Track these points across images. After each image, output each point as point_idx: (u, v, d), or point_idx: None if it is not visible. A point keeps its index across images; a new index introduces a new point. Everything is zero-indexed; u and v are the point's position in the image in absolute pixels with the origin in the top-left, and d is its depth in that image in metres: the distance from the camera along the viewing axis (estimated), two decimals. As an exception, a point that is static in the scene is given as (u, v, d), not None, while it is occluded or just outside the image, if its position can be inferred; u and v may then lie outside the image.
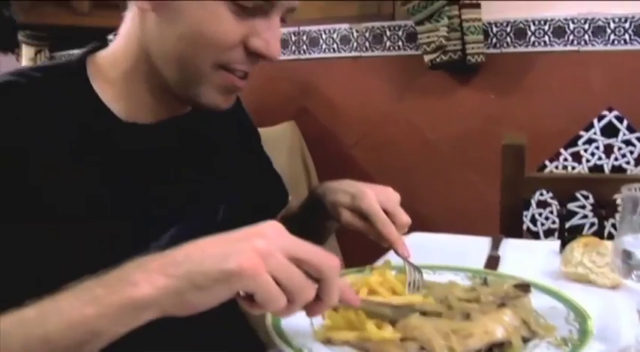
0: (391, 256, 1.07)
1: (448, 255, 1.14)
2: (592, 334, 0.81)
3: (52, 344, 0.65)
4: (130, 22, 0.94)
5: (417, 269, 1.00)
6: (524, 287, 0.93)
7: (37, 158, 0.82)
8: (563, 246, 1.28)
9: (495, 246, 1.36)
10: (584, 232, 2.46)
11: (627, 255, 0.80)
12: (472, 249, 1.34)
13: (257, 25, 0.89)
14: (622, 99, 2.41)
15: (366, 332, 0.79)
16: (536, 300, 0.92)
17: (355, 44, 2.80)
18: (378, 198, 1.04)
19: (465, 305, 0.87)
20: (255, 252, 0.65)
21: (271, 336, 0.80)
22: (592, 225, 2.45)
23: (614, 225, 2.21)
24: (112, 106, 0.92)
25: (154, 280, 0.65)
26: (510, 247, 1.37)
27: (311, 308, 0.71)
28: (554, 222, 2.51)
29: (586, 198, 2.39)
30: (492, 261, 1.25)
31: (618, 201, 2.28)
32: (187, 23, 0.87)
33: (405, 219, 1.05)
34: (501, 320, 0.81)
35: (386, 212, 1.03)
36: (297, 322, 0.82)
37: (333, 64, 2.88)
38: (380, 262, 1.12)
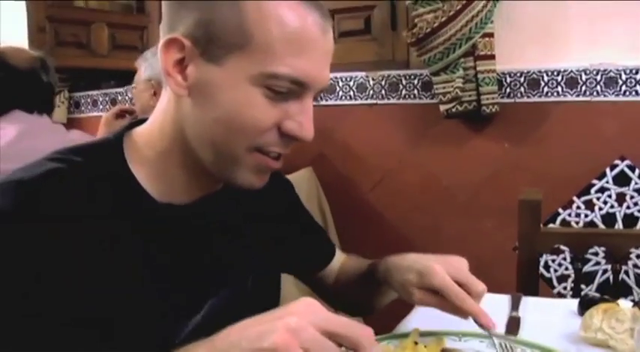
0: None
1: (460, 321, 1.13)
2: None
3: None
4: (165, 102, 0.97)
5: (505, 338, 1.03)
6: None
7: (80, 244, 0.86)
8: (581, 306, 1.32)
9: (515, 306, 1.39)
10: (597, 279, 2.51)
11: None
12: (491, 308, 1.37)
13: (290, 109, 0.92)
14: (634, 149, 2.47)
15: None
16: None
17: (371, 92, 2.88)
18: (448, 271, 1.05)
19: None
20: (288, 329, 0.70)
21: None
22: (605, 271, 2.50)
23: (626, 272, 2.26)
24: (148, 186, 0.95)
25: None
26: (530, 307, 1.40)
27: None
28: (567, 269, 2.56)
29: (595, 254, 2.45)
30: (513, 323, 1.28)
31: (632, 255, 2.33)
32: (222, 108, 0.90)
33: (480, 288, 1.06)
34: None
35: (459, 283, 1.05)
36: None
37: (350, 111, 2.95)
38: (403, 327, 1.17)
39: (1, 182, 0.87)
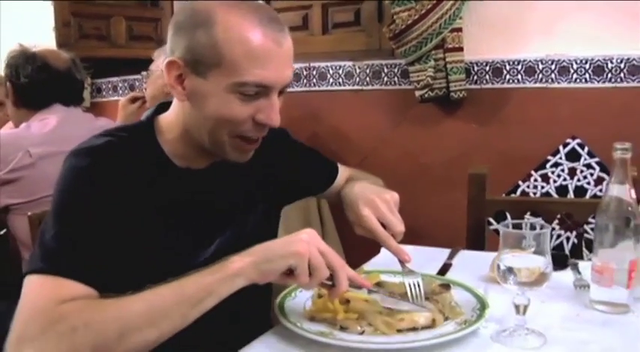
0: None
1: (415, 263, 1.36)
2: (483, 318, 1.21)
3: (188, 298, 1.07)
4: (177, 102, 1.29)
5: (414, 272, 1.30)
6: (445, 286, 1.35)
7: (127, 196, 1.19)
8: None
9: (452, 255, 1.75)
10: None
11: (498, 268, 1.20)
12: (432, 258, 1.72)
13: (260, 105, 1.20)
14: (583, 129, 2.75)
15: (337, 313, 1.22)
16: (459, 295, 1.33)
17: (357, 79, 3.18)
18: (375, 214, 1.33)
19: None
20: (305, 242, 1.11)
21: (276, 314, 1.24)
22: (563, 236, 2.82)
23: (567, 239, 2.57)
24: (171, 156, 1.29)
25: (242, 259, 1.10)
26: (464, 256, 1.76)
27: (330, 292, 1.16)
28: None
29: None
30: (444, 268, 1.64)
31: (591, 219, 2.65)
32: (209, 109, 1.20)
33: (398, 229, 1.33)
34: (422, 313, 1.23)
35: (383, 225, 1.33)
36: (294, 307, 1.27)
37: (339, 96, 3.24)
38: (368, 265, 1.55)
39: (75, 150, 1.22)
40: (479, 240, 2.10)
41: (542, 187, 2.86)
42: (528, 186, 2.88)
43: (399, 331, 1.20)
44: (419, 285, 1.28)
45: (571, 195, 2.81)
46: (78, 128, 2.24)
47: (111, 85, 3.99)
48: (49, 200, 1.21)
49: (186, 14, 1.21)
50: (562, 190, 2.83)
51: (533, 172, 2.87)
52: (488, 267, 1.56)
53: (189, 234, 1.29)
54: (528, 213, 2.17)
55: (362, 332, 1.18)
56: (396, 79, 3.10)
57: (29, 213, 1.68)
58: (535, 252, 1.18)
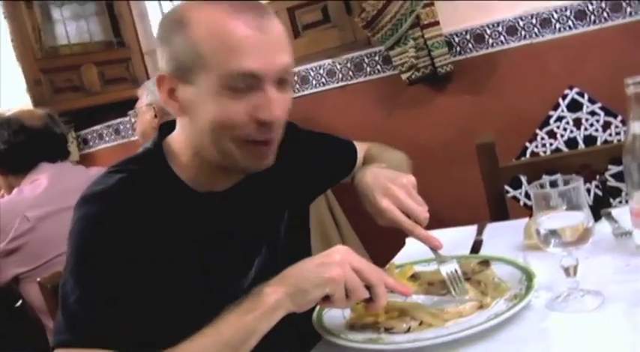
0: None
1: (446, 246, 1.29)
2: (533, 288, 1.14)
3: (229, 343, 1.03)
4: (178, 121, 1.20)
5: (448, 258, 1.22)
6: (485, 262, 1.27)
7: (152, 238, 1.10)
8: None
9: (480, 231, 1.68)
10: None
11: (537, 232, 1.14)
12: (461, 238, 1.66)
13: (257, 101, 1.10)
14: (579, 77, 2.70)
15: (378, 315, 1.15)
16: (500, 269, 1.26)
17: (340, 75, 3.13)
18: (395, 204, 1.25)
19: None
20: (339, 265, 1.05)
21: (316, 328, 1.17)
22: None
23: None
24: (190, 183, 1.18)
25: (276, 289, 1.05)
26: (493, 230, 1.69)
27: (368, 307, 1.10)
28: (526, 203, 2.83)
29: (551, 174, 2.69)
30: (476, 245, 1.57)
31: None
32: (205, 117, 1.10)
33: (422, 217, 1.25)
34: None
35: (406, 214, 1.25)
36: (333, 319, 1.21)
37: (325, 96, 3.19)
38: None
39: (86, 195, 1.13)
40: (501, 210, 2.03)
41: (551, 144, 2.81)
42: (537, 146, 2.83)
43: (447, 320, 1.13)
44: (457, 271, 1.21)
45: (581, 146, 2.76)
46: (71, 182, 2.21)
47: (96, 134, 3.94)
48: (57, 261, 1.14)
49: (163, 25, 1.16)
50: (571, 143, 2.78)
51: (538, 131, 2.82)
52: (521, 236, 1.50)
53: (227, 264, 1.22)
54: (543, 176, 2.10)
55: (408, 329, 1.11)
56: (378, 67, 3.05)
57: (38, 279, 1.61)
58: (570, 209, 1.11)
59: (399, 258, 1.55)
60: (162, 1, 3.93)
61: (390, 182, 1.30)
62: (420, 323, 1.12)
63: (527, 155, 2.83)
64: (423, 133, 2.99)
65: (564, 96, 2.75)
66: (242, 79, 1.08)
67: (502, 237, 1.60)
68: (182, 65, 1.11)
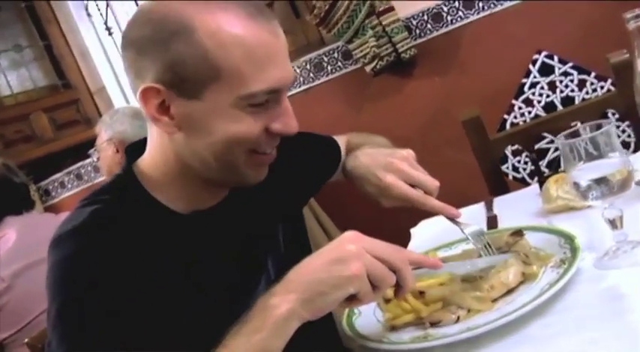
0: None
1: (453, 230, 1.25)
2: (580, 249, 1.03)
3: None
4: (158, 139, 1.04)
5: (471, 224, 1.14)
6: (517, 233, 1.16)
7: (139, 275, 0.95)
8: (541, 186, 1.51)
9: (489, 207, 1.58)
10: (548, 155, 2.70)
11: (577, 186, 1.03)
12: (471, 218, 1.54)
13: (273, 113, 0.99)
14: (545, 40, 2.65)
15: (419, 311, 1.02)
16: (533, 239, 1.14)
17: (301, 78, 3.02)
18: (401, 178, 1.16)
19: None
20: (356, 258, 0.89)
21: (353, 338, 1.04)
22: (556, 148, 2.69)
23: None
24: (171, 205, 1.04)
25: (285, 297, 0.89)
26: (502, 204, 1.59)
27: (397, 293, 0.95)
28: (526, 163, 2.75)
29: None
30: (492, 221, 1.47)
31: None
32: (216, 133, 0.97)
33: (433, 186, 1.17)
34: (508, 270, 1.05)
35: (414, 185, 1.16)
36: (367, 324, 1.07)
37: (290, 103, 3.05)
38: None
39: (57, 236, 0.98)
40: (500, 184, 1.94)
41: (529, 112, 2.75)
42: (515, 117, 2.76)
43: (495, 301, 1.01)
44: (484, 235, 1.12)
45: (560, 109, 2.68)
46: (42, 232, 1.99)
47: (57, 183, 3.81)
48: (44, 318, 0.98)
49: (150, 27, 0.97)
50: (549, 108, 2.72)
51: (514, 101, 2.76)
52: (536, 203, 1.42)
53: (229, 287, 1.08)
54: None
55: (457, 319, 0.99)
56: (339, 64, 2.96)
57: (26, 340, 1.46)
58: (602, 156, 1.01)
59: (413, 249, 1.42)
60: (101, 37, 3.81)
61: (389, 156, 1.21)
62: (468, 311, 1.00)
63: (507, 127, 2.76)
64: (397, 124, 2.89)
65: (534, 62, 2.69)
66: (265, 95, 0.97)
67: (515, 209, 1.51)
68: (185, 77, 0.95)
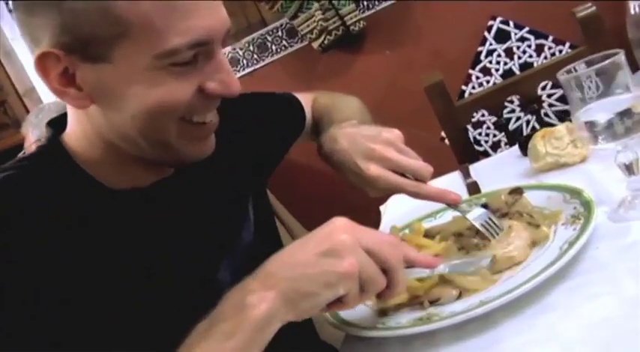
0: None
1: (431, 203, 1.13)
2: (593, 200, 0.89)
3: None
4: (73, 113, 0.88)
5: (473, 204, 0.99)
6: (516, 190, 1.01)
7: (64, 245, 0.79)
8: (520, 146, 1.37)
9: (466, 174, 1.42)
10: (525, 131, 2.59)
11: (591, 125, 0.88)
12: (448, 187, 1.40)
13: (205, 71, 0.82)
14: (499, 5, 2.53)
15: (414, 289, 0.85)
16: (532, 198, 1.00)
17: (245, 61, 2.83)
18: (386, 166, 1.00)
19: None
20: (351, 252, 0.73)
21: (338, 327, 0.86)
22: (528, 122, 2.58)
23: (546, 114, 2.34)
24: (106, 181, 0.87)
25: (264, 296, 0.72)
26: (479, 170, 1.44)
27: (382, 296, 0.78)
28: (494, 136, 2.63)
29: (510, 102, 2.50)
30: (473, 187, 1.31)
31: (540, 92, 2.41)
32: (135, 102, 0.80)
33: (425, 172, 1.01)
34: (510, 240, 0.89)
35: (403, 174, 1.00)
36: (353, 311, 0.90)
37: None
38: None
39: None
40: (469, 151, 1.80)
41: (488, 81, 2.64)
42: (473, 87, 2.64)
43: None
44: (491, 220, 0.94)
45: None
46: None
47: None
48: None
49: None
50: (508, 75, 2.60)
51: (471, 71, 2.64)
52: (518, 165, 1.30)
53: (184, 276, 0.89)
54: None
55: (459, 295, 0.83)
56: (284, 42, 2.77)
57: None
58: (610, 93, 0.87)
59: (395, 221, 1.25)
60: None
61: (371, 142, 1.03)
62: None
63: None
64: (351, 100, 2.71)
65: (489, 28, 2.58)
66: (190, 50, 0.79)
67: (495, 173, 1.37)
68: (87, 37, 0.77)
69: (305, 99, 1.33)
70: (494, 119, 2.58)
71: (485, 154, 2.64)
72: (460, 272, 0.85)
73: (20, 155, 2.32)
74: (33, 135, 2.32)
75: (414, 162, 1.01)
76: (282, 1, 2.50)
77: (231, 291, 0.75)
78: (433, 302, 0.83)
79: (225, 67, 0.83)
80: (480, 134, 2.65)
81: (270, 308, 0.72)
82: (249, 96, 1.21)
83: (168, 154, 0.87)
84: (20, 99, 3.50)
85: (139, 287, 0.83)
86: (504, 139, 2.60)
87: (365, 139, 1.04)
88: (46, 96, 3.51)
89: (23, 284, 0.75)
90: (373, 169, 1.00)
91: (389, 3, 2.60)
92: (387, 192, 1.02)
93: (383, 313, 0.87)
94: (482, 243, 0.90)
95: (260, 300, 0.72)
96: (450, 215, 1.09)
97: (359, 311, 0.88)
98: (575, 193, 0.95)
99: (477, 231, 0.93)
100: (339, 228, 0.76)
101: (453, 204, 0.99)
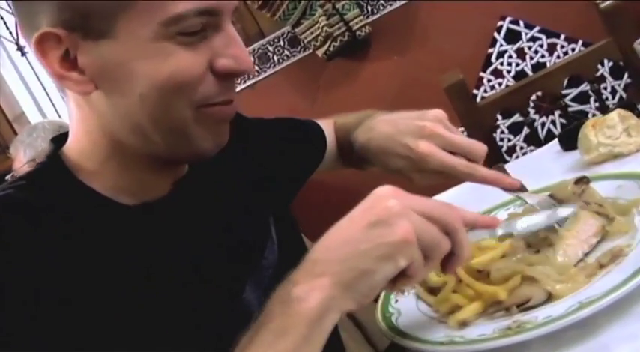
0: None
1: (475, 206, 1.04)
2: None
3: None
4: (75, 110, 0.80)
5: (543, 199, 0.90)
6: (582, 179, 0.90)
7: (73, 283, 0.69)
8: (562, 141, 1.27)
9: (505, 174, 1.32)
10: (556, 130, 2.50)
11: None
12: (486, 193, 1.29)
13: (215, 45, 0.75)
14: (508, 4, 2.46)
15: (493, 294, 0.74)
16: (600, 190, 0.89)
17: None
18: (437, 144, 0.92)
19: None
20: (403, 216, 0.64)
21: (406, 344, 0.75)
22: (553, 121, 2.49)
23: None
24: (113, 196, 0.79)
25: (315, 285, 0.64)
26: (517, 169, 1.33)
27: (448, 265, 0.69)
28: (509, 140, 2.53)
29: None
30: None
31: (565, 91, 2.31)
32: (143, 80, 0.73)
33: (480, 151, 0.93)
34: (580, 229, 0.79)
35: (454, 152, 0.92)
36: (412, 322, 0.78)
37: (238, 101, 2.79)
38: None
39: None
40: (496, 153, 1.71)
41: (500, 84, 2.55)
42: (485, 91, 2.55)
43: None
44: (555, 205, 0.85)
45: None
46: None
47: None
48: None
49: None
50: (520, 77, 2.50)
51: (482, 74, 2.55)
52: (565, 160, 1.20)
53: (205, 294, 0.79)
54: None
55: (550, 296, 0.71)
56: (286, 52, 2.67)
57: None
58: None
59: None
60: (14, 59, 3.48)
61: (418, 120, 0.95)
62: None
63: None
64: (360, 109, 2.62)
65: (499, 29, 2.49)
66: (199, 18, 0.72)
67: (538, 171, 1.27)
68: (87, 10, 0.70)
69: (323, 123, 1.25)
70: (508, 122, 2.49)
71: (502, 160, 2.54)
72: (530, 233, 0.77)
73: (8, 177, 2.21)
74: (26, 155, 2.19)
75: (467, 140, 0.93)
76: (284, 8, 2.41)
77: (275, 290, 0.66)
78: (520, 306, 0.71)
79: (237, 41, 0.76)
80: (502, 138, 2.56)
81: (324, 298, 0.63)
82: (270, 120, 1.16)
83: (182, 146, 0.77)
84: (10, 125, 3.42)
85: (158, 313, 0.74)
86: (520, 143, 2.51)
87: (407, 119, 0.97)
88: (36, 119, 3.43)
89: (26, 311, 0.66)
90: (423, 145, 0.92)
91: (394, 7, 2.52)
92: (437, 175, 0.93)
93: (459, 325, 0.75)
94: (553, 236, 0.80)
95: (310, 291, 0.63)
96: (502, 214, 0.99)
97: (424, 322, 0.77)
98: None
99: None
100: (384, 195, 0.68)
101: (512, 189, 0.91)
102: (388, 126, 0.99)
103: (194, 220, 0.84)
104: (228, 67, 0.74)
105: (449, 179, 0.95)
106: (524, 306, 0.71)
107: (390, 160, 0.97)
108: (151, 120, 0.74)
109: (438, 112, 0.97)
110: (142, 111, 0.73)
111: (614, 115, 1.12)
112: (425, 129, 0.93)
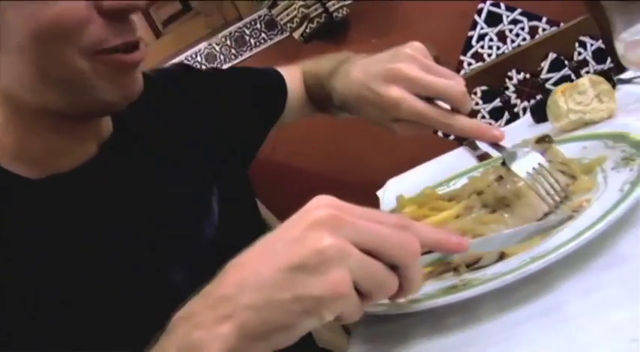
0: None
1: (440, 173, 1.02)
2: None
3: None
4: None
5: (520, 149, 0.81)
6: (544, 138, 0.84)
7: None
8: (533, 112, 1.22)
9: (474, 147, 1.28)
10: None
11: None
12: (457, 163, 1.24)
13: None
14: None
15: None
16: (565, 151, 0.84)
17: (222, 56, 2.67)
18: (412, 90, 0.83)
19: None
20: (338, 261, 0.51)
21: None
22: (525, 108, 2.43)
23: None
24: (16, 169, 0.71)
25: (218, 333, 0.52)
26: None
27: (392, 297, 0.58)
28: (483, 117, 2.47)
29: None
30: (484, 159, 1.16)
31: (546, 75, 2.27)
32: (17, 31, 0.63)
33: (457, 90, 0.82)
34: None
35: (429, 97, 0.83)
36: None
37: None
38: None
39: None
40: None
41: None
42: (465, 74, 2.45)
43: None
44: (542, 165, 0.75)
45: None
46: None
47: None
48: None
49: None
50: (502, 60, 2.42)
51: (462, 57, 2.48)
52: (536, 130, 1.15)
53: (120, 278, 0.72)
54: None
55: (502, 256, 0.66)
56: (263, 35, 2.61)
57: None
58: None
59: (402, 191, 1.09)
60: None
61: (389, 63, 0.87)
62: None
63: (458, 87, 2.47)
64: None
65: (479, 12, 2.43)
66: None
67: (510, 144, 1.20)
68: None
69: (288, 70, 1.18)
70: (489, 107, 2.45)
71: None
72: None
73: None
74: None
75: (442, 81, 0.83)
76: (260, -11, 2.35)
77: (176, 319, 0.55)
78: (470, 266, 0.66)
79: None
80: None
81: (225, 350, 0.51)
82: (222, 70, 1.09)
83: (83, 101, 0.69)
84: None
85: (73, 298, 0.68)
86: (502, 128, 2.45)
87: (382, 62, 0.89)
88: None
89: None
90: (394, 91, 0.83)
91: (373, -12, 2.45)
92: (418, 127, 0.85)
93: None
94: (513, 195, 0.74)
95: (212, 339, 0.52)
96: (463, 180, 0.94)
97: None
98: (618, 137, 0.79)
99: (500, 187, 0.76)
100: (319, 222, 0.53)
101: (493, 143, 0.83)
102: (360, 72, 0.91)
103: (114, 192, 0.76)
104: (114, 4, 0.66)
105: (425, 129, 0.86)
106: (474, 266, 0.66)
107: (364, 110, 0.90)
108: (39, 75, 0.65)
109: (415, 46, 0.89)
110: (28, 67, 0.65)
111: (585, 80, 1.07)
112: (393, 70, 0.85)
